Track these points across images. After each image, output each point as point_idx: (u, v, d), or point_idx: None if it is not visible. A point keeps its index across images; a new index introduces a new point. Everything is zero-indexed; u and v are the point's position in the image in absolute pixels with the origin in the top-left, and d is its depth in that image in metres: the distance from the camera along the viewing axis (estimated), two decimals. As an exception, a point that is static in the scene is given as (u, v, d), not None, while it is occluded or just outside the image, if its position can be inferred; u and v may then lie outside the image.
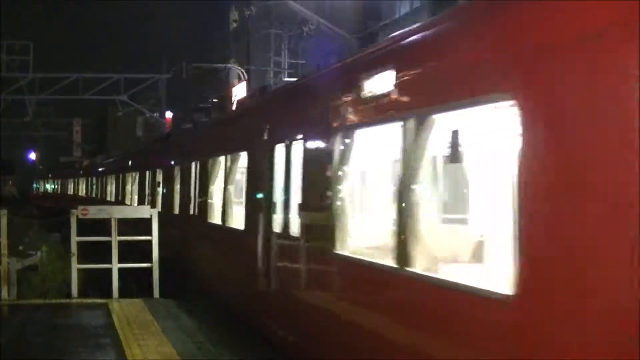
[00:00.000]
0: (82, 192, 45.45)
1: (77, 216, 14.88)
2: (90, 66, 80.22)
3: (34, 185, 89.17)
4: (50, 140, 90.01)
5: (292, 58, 42.05)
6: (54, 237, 25.48)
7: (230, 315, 12.77)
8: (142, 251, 15.86)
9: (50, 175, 68.72)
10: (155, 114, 52.73)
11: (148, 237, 15.26)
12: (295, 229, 9.38)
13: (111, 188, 32.34)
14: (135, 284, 16.19)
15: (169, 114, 49.52)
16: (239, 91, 30.24)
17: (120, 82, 47.78)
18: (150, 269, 15.10)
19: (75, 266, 14.89)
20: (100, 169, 38.74)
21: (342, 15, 32.26)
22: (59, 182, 60.70)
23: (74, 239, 14.92)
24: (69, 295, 15.00)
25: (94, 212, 15.55)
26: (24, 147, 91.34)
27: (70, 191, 51.65)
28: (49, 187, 71.14)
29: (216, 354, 10.36)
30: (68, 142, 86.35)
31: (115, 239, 15.01)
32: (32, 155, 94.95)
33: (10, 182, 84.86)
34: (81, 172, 48.58)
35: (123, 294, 14.98)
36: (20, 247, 20.46)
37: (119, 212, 15.84)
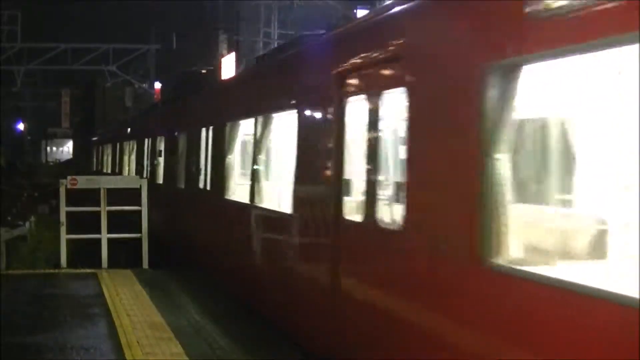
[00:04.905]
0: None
1: (65, 186, 14.89)
2: (78, 36, 79.44)
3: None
4: (38, 111, 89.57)
5: (282, 29, 41.84)
6: (42, 209, 25.44)
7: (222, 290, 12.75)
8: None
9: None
10: (144, 85, 52.48)
11: (137, 208, 15.25)
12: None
13: None
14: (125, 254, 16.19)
15: (157, 85, 49.31)
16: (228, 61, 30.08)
17: (109, 53, 47.52)
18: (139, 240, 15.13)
19: (64, 236, 14.87)
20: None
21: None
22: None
23: (63, 208, 14.90)
24: (57, 265, 15.00)
25: (83, 182, 15.51)
26: (12, 117, 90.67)
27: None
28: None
29: (203, 323, 10.40)
30: (56, 113, 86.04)
31: (104, 209, 15.00)
32: (20, 126, 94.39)
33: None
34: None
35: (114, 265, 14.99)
36: (9, 218, 20.45)
37: (108, 183, 15.81)
